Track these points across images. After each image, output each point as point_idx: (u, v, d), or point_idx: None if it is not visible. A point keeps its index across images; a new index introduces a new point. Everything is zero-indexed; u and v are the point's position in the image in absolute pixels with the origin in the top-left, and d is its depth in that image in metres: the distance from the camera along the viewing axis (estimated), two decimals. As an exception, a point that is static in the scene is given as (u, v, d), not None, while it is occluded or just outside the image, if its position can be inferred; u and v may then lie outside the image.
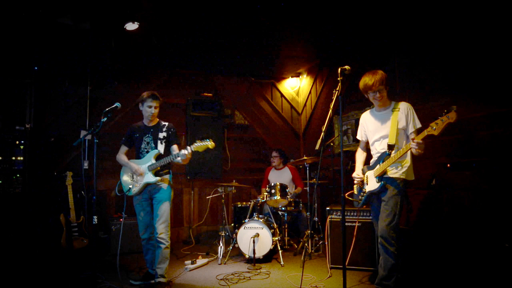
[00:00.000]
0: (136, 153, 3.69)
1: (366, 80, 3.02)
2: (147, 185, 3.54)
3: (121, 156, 3.72)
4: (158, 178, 3.50)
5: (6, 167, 4.35)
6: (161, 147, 3.58)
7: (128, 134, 3.73)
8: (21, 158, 4.47)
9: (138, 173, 3.53)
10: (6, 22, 4.23)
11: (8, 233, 4.25)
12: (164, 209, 3.51)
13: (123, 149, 3.76)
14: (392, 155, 2.94)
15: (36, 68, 4.99)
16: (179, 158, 3.41)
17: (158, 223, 3.48)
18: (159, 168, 3.53)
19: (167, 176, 3.61)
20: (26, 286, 3.67)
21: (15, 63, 4.93)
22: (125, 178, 3.67)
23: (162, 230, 3.47)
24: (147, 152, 3.60)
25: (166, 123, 3.72)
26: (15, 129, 4.54)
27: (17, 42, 4.74)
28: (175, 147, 3.63)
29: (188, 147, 3.38)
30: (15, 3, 3.88)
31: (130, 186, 3.59)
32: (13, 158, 4.43)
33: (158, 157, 3.55)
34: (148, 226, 3.64)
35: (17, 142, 4.48)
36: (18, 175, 4.40)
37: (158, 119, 3.76)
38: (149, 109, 3.58)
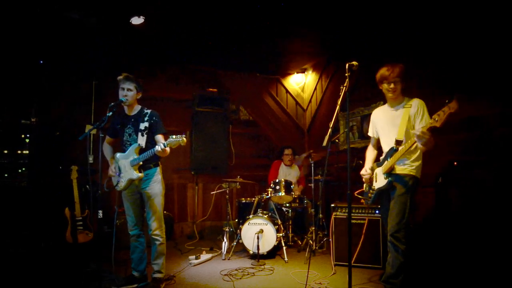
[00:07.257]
0: (120, 145, 3.48)
1: (384, 70, 3.00)
2: (132, 181, 3.31)
3: (105, 148, 3.54)
4: (140, 174, 3.27)
5: (12, 161, 4.37)
6: (141, 140, 3.33)
7: (111, 125, 3.50)
8: (27, 152, 4.48)
9: (111, 175, 3.42)
10: (13, 16, 4.23)
11: (14, 226, 4.27)
12: (155, 205, 3.36)
13: (107, 139, 3.56)
14: (399, 150, 2.91)
15: (41, 62, 5.00)
16: (158, 149, 3.13)
17: (151, 220, 3.36)
18: (141, 163, 3.30)
19: (153, 170, 3.41)
20: (31, 279, 3.69)
21: (21, 57, 4.94)
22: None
23: (156, 226, 3.36)
24: (130, 144, 3.36)
25: (149, 111, 3.43)
26: (20, 123, 4.55)
27: (24, 36, 4.74)
28: (159, 137, 3.37)
29: (161, 144, 3.13)
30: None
31: (118, 180, 3.38)
32: (19, 151, 4.44)
33: (140, 151, 3.31)
34: (137, 223, 3.48)
35: (23, 136, 4.49)
36: (23, 169, 4.41)
37: (140, 106, 3.48)
38: (122, 91, 3.31)
